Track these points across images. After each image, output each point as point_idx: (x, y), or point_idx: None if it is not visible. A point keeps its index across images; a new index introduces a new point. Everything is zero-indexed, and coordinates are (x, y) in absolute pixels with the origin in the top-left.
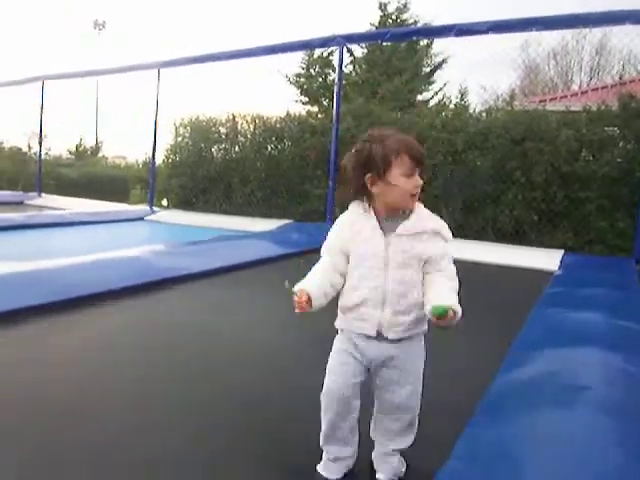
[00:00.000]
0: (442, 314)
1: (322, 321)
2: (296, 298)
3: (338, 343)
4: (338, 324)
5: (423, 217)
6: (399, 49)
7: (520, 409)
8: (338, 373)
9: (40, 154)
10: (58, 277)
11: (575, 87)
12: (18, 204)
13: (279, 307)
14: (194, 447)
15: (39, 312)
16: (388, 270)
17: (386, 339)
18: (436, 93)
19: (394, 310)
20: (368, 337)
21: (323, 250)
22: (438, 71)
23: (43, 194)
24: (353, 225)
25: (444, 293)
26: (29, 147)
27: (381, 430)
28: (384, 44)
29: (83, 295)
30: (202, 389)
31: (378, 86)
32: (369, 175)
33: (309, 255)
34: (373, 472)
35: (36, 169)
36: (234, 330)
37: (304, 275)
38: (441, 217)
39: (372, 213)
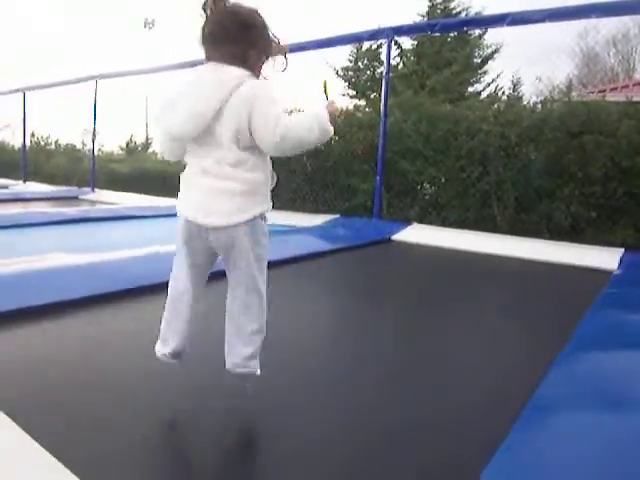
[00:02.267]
0: None
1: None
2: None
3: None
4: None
5: None
6: (449, 40)
7: (568, 414)
8: None
9: (93, 151)
10: (120, 268)
11: (638, 76)
12: (73, 199)
13: (326, 302)
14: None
15: (102, 301)
16: None
17: None
18: (488, 85)
19: None
20: None
21: None
22: (490, 62)
23: (96, 189)
24: None
25: None
26: (83, 144)
27: None
28: (434, 35)
29: (144, 285)
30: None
31: (427, 78)
32: None
33: (356, 250)
34: None
35: (89, 165)
36: (282, 324)
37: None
38: (494, 215)
39: None
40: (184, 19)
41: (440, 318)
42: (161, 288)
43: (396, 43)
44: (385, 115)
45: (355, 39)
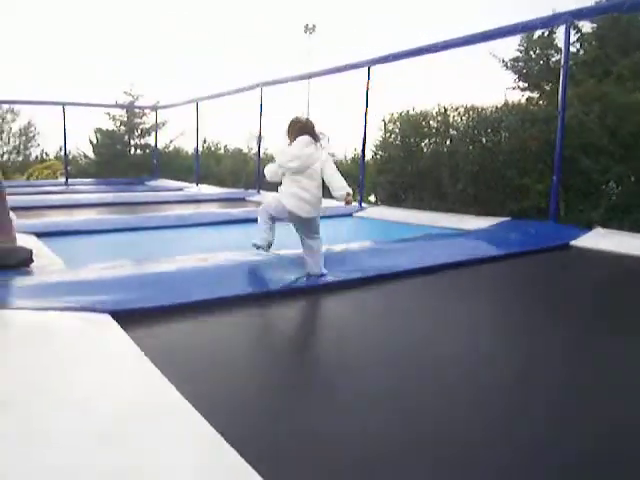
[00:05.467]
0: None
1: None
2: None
3: None
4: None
5: None
6: (638, 19)
7: None
8: None
9: (259, 154)
10: (278, 269)
11: None
12: (240, 200)
13: (491, 312)
14: None
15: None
16: None
17: None
18: None
19: None
20: None
21: None
22: None
23: (261, 191)
24: None
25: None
26: (248, 148)
27: None
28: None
29: (302, 286)
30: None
31: (612, 64)
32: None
33: (528, 256)
34: None
35: (255, 168)
36: (445, 333)
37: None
38: None
39: None
40: (343, 23)
41: (627, 343)
42: (312, 291)
43: (575, 27)
44: (563, 108)
45: (527, 28)
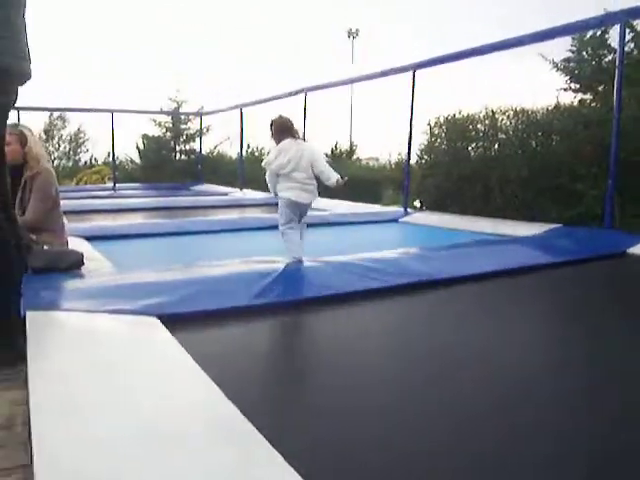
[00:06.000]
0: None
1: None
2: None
3: None
4: None
5: None
6: None
7: None
8: None
9: None
10: (323, 274)
11: None
12: None
13: (542, 323)
14: None
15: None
16: None
17: None
18: None
19: None
20: None
21: None
22: None
23: None
24: None
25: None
26: None
27: None
28: None
29: (349, 291)
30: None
31: None
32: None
33: (581, 265)
34: None
35: None
36: (488, 342)
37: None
38: None
39: None
40: (387, 27)
41: None
42: (361, 296)
43: (629, 26)
44: (618, 110)
45: (580, 28)
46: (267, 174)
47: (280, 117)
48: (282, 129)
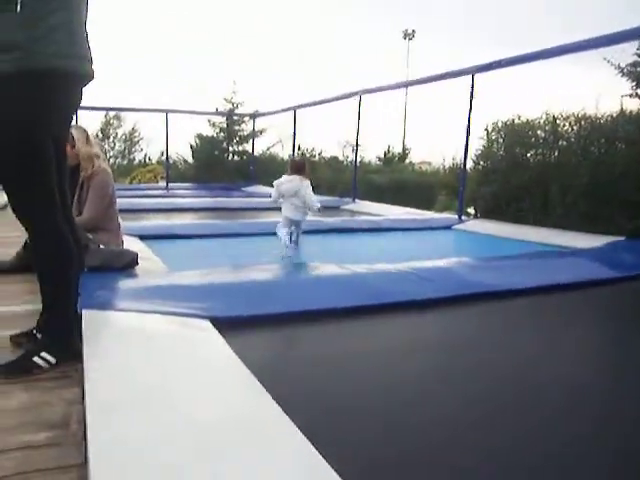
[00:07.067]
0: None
1: None
2: None
3: None
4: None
5: None
6: None
7: None
8: None
9: (356, 163)
10: (375, 282)
11: None
12: (335, 209)
13: (601, 342)
14: None
15: (352, 313)
16: None
17: None
18: None
19: None
20: None
21: None
22: None
23: (357, 200)
24: None
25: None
26: (344, 156)
27: None
28: None
29: (394, 302)
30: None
31: None
32: None
33: None
34: None
35: (350, 176)
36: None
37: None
38: None
39: None
40: (443, 29)
41: None
42: (417, 305)
43: None
44: None
45: None
46: (274, 190)
47: (295, 159)
48: (295, 167)
